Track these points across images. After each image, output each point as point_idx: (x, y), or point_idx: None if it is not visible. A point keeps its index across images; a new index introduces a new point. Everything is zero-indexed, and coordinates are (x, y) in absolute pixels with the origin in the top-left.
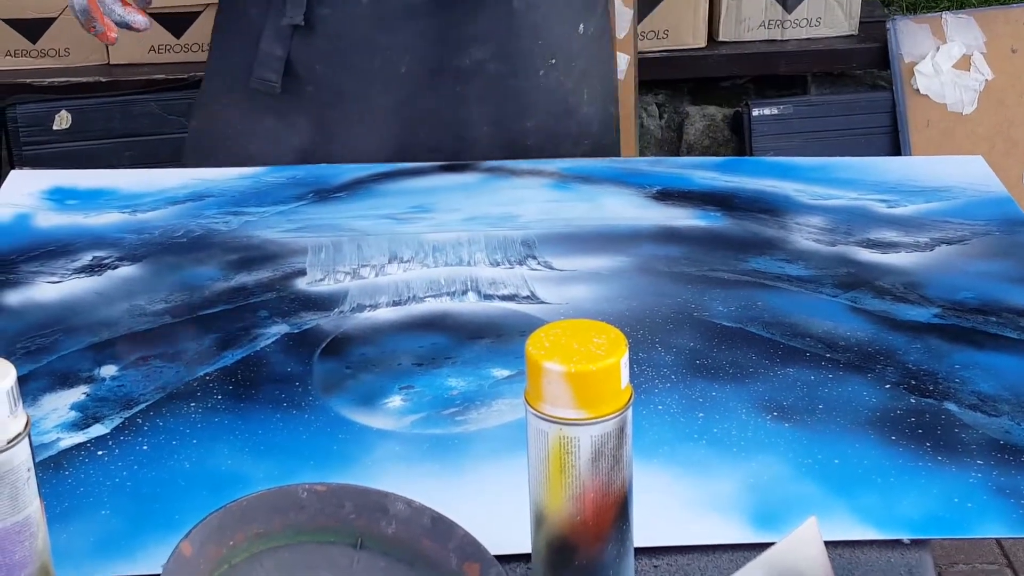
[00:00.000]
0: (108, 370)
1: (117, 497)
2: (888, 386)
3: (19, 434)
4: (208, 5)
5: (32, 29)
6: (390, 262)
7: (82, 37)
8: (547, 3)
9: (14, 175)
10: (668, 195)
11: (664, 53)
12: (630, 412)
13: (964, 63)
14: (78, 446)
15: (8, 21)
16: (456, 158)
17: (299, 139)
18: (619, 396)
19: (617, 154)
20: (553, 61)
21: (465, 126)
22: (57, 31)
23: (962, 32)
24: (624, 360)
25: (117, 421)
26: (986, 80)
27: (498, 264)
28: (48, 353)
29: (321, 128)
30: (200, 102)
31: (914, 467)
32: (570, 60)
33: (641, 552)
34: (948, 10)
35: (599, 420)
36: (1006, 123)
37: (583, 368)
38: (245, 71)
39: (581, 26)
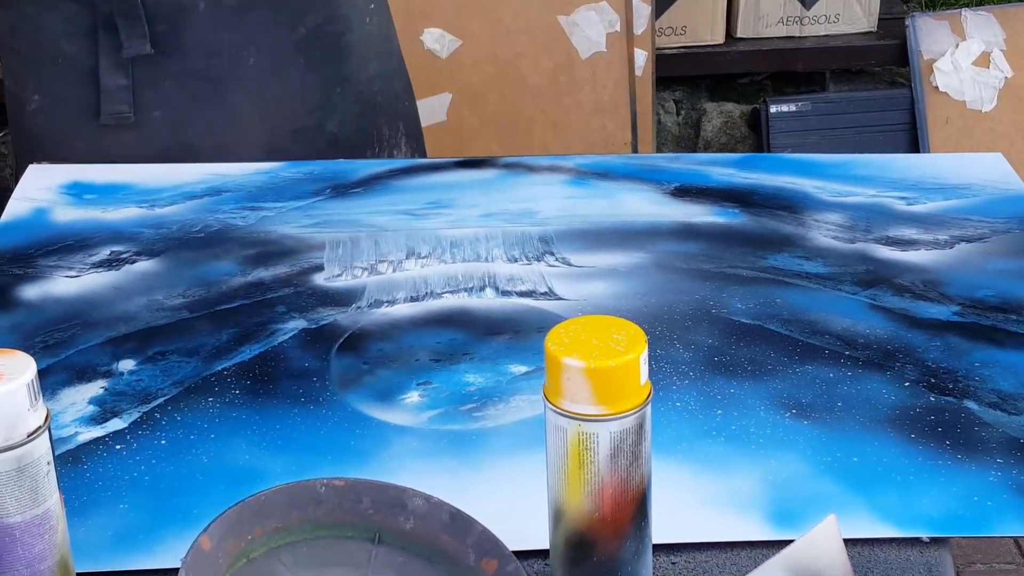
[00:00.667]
0: (126, 364)
1: (135, 491)
2: (907, 384)
3: (39, 427)
4: None
5: None
6: (408, 258)
7: None
8: None
9: (32, 169)
10: (686, 191)
11: (682, 49)
12: (649, 408)
13: (983, 60)
14: (96, 440)
15: None
16: (318, 129)
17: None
18: (638, 392)
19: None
20: (372, 5)
21: (319, 93)
22: None
23: (981, 29)
24: (643, 356)
25: (135, 415)
26: (1006, 77)
27: (516, 260)
28: (66, 347)
29: (178, 149)
30: (37, 149)
31: (933, 465)
32: (381, 2)
33: (659, 549)
34: (967, 7)
35: (618, 416)
36: None
37: (603, 364)
38: (82, 110)
39: None
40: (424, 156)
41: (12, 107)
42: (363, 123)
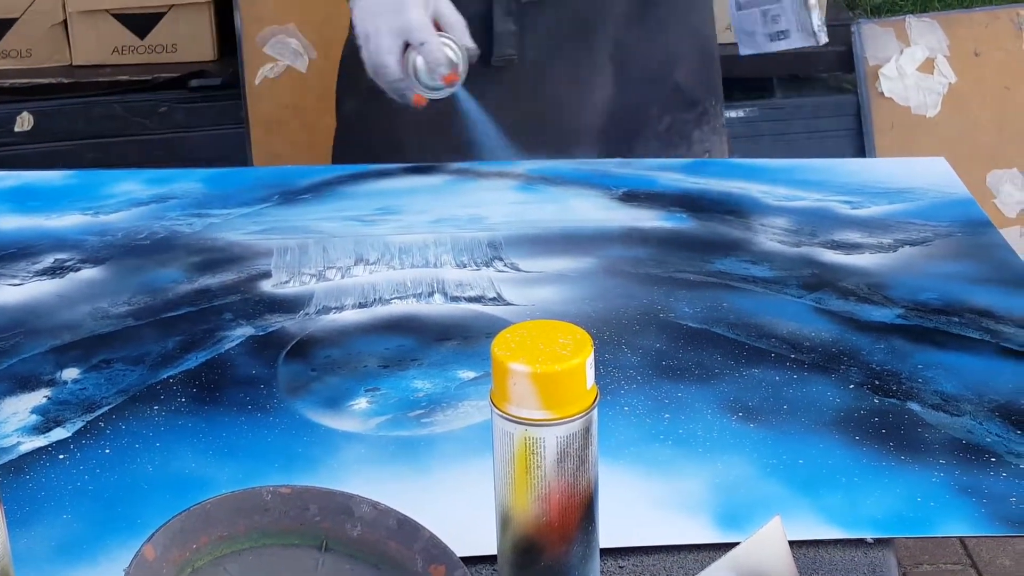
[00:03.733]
0: (70, 373)
1: (79, 501)
2: (852, 386)
3: None
4: (172, 6)
5: None
6: (356, 264)
7: (44, 38)
8: None
9: None
10: (634, 197)
11: None
12: (596, 412)
13: (928, 66)
14: (39, 450)
15: None
16: (664, 82)
17: (519, 106)
18: (585, 396)
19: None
20: None
21: (668, 46)
22: (19, 32)
23: (925, 35)
24: (589, 361)
25: (79, 424)
26: (949, 83)
27: (464, 266)
28: (8, 356)
29: (540, 90)
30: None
31: (878, 467)
32: None
33: (607, 553)
34: (912, 14)
35: (565, 420)
36: (969, 126)
37: (548, 369)
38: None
39: None
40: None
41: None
42: (702, 75)
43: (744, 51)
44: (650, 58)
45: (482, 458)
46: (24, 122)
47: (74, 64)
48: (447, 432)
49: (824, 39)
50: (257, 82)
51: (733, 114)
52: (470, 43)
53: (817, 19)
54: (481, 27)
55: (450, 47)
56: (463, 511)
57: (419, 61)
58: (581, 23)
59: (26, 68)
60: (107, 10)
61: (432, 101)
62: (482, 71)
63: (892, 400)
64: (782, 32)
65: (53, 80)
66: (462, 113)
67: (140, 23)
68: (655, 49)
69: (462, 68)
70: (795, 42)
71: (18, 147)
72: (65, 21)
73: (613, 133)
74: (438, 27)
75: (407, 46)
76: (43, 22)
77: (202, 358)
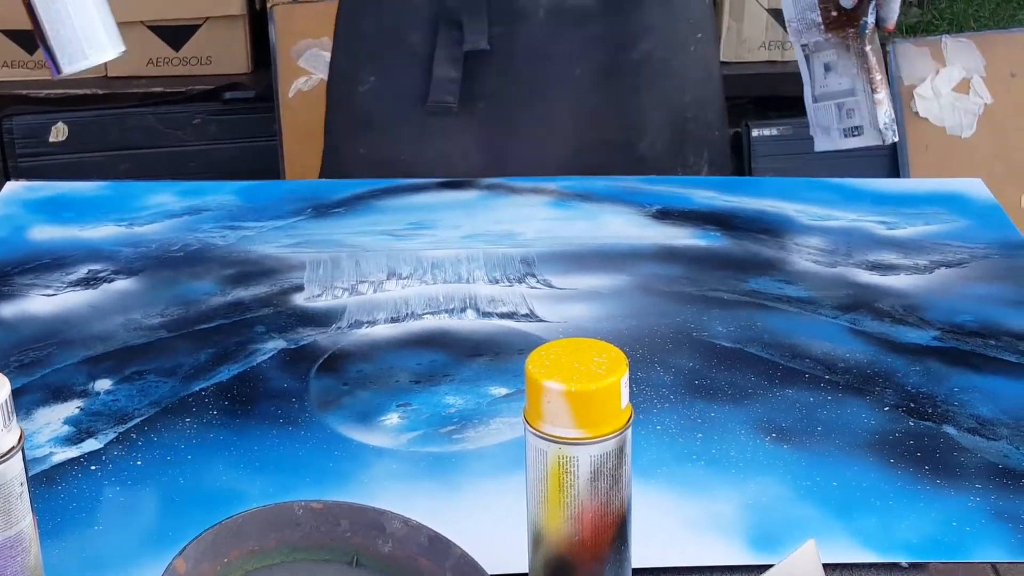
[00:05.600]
0: (102, 384)
1: (110, 513)
2: (887, 408)
3: (13, 448)
4: (207, 19)
5: (29, 40)
6: (388, 278)
7: None
8: None
9: (10, 186)
10: (668, 214)
11: None
12: (630, 432)
13: (963, 87)
14: (71, 461)
15: (6, 32)
16: (628, 147)
17: (470, 158)
18: (619, 416)
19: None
20: (700, 35)
21: (637, 113)
22: None
23: (961, 56)
24: (624, 379)
25: (111, 436)
26: (985, 104)
27: (497, 282)
28: (42, 366)
29: (493, 142)
30: (364, 127)
31: (913, 490)
32: (708, 30)
33: (639, 573)
34: (947, 34)
35: (599, 440)
36: (1005, 147)
37: (583, 387)
38: (413, 95)
39: None
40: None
41: (340, 85)
42: (672, 147)
43: (820, 147)
44: (611, 126)
45: (513, 475)
46: (59, 132)
47: (109, 75)
48: (478, 449)
49: (893, 137)
50: (291, 95)
51: (766, 132)
52: None
53: (884, 116)
54: (424, 69)
55: None
56: (494, 529)
57: None
58: (532, 81)
59: (61, 79)
60: (143, 22)
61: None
62: (424, 115)
63: (927, 423)
64: (856, 128)
65: (88, 91)
66: None
67: (175, 35)
68: (618, 117)
69: None
70: (868, 140)
71: (52, 157)
72: None
73: None
74: None
75: None
76: None
77: (234, 371)
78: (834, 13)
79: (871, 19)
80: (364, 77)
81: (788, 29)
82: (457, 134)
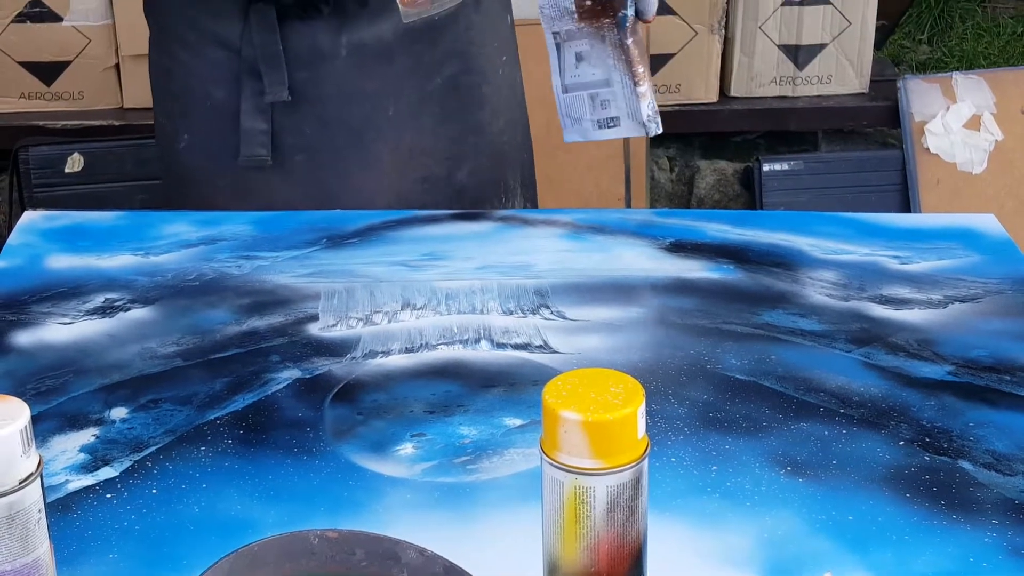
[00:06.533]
0: (118, 412)
1: (126, 540)
2: (902, 443)
3: (31, 474)
4: None
5: (47, 72)
6: (403, 309)
7: (97, 81)
8: (491, 8)
9: (27, 216)
10: (681, 247)
11: (676, 107)
12: (646, 463)
13: (974, 123)
14: (87, 488)
15: (23, 64)
16: (446, 179)
17: (294, 209)
18: (636, 446)
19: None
20: (504, 57)
21: (452, 143)
22: (72, 74)
23: (972, 92)
24: (641, 410)
25: (126, 464)
26: (996, 140)
27: (511, 313)
28: (58, 394)
29: (317, 193)
30: (183, 183)
31: (928, 525)
32: (511, 52)
33: None
34: (958, 70)
35: (616, 470)
36: (1015, 183)
37: (600, 417)
38: (226, 150)
39: (508, 17)
40: (535, 206)
41: (163, 144)
42: (492, 173)
43: (569, 138)
44: (429, 160)
45: (528, 506)
46: (75, 163)
47: (125, 107)
48: (493, 479)
49: (656, 130)
50: None
51: (777, 167)
52: None
53: (647, 108)
54: (233, 125)
55: None
56: (509, 559)
57: None
58: (347, 123)
59: (78, 110)
60: None
61: None
62: (241, 171)
63: (943, 458)
64: (612, 119)
65: (103, 122)
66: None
67: None
68: (436, 150)
69: None
70: (625, 131)
71: (68, 188)
72: (117, 65)
73: None
74: None
75: None
76: (96, 66)
77: (249, 400)
78: (588, 2)
79: (630, 12)
80: (179, 135)
81: (540, 16)
82: (279, 187)
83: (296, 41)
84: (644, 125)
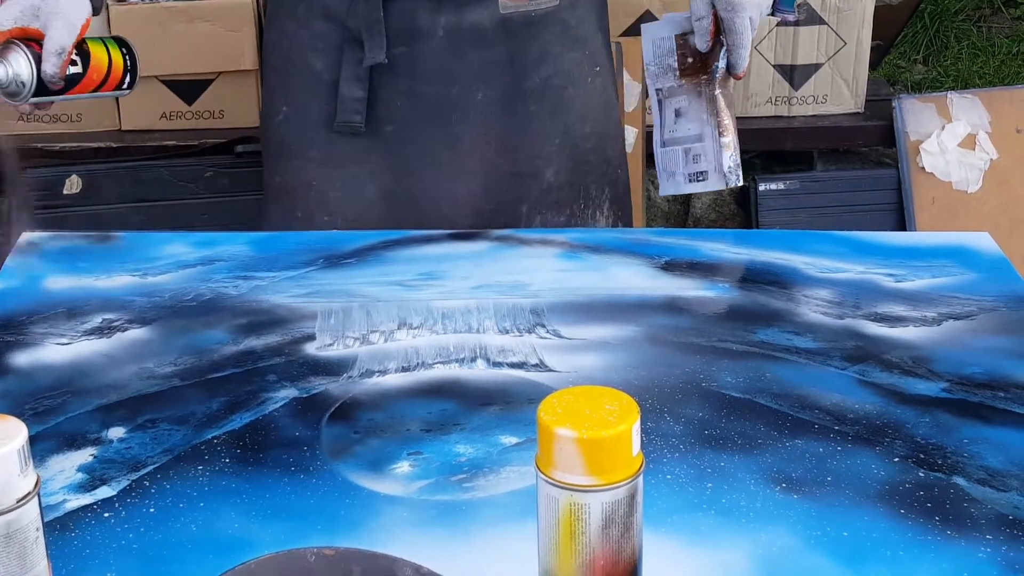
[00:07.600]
0: (116, 432)
1: (123, 560)
2: (897, 459)
3: (29, 493)
4: (220, 73)
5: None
6: (399, 328)
7: (95, 103)
8: (587, 18)
9: (25, 237)
10: (676, 266)
11: None
12: (641, 480)
13: (969, 142)
14: (84, 508)
15: None
16: (535, 176)
17: (381, 180)
18: (631, 463)
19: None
20: (598, 69)
21: (538, 141)
22: None
23: (967, 112)
24: (636, 427)
25: (124, 483)
26: (991, 159)
27: (507, 332)
28: (56, 414)
29: (403, 166)
30: (277, 156)
31: (923, 541)
32: (606, 66)
33: None
34: (953, 90)
35: (611, 487)
36: (1010, 202)
37: (595, 434)
38: (320, 120)
39: (604, 32)
40: (628, 224)
41: (265, 119)
42: (573, 177)
43: (664, 191)
44: (517, 155)
45: (524, 524)
46: (73, 185)
47: (123, 129)
48: (489, 497)
49: (736, 182)
50: None
51: (773, 186)
52: (52, 69)
53: (728, 160)
54: (330, 95)
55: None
56: None
57: None
58: (436, 101)
59: (76, 132)
60: (156, 76)
61: None
62: (333, 140)
63: (937, 474)
64: (701, 173)
65: (101, 144)
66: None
67: (188, 89)
68: (524, 146)
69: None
70: (711, 185)
71: (66, 209)
72: None
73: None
74: (29, 35)
75: None
76: None
77: (246, 419)
78: (690, 59)
79: (722, 64)
80: (278, 108)
81: (646, 73)
82: (366, 157)
83: (397, 17)
84: (726, 176)
